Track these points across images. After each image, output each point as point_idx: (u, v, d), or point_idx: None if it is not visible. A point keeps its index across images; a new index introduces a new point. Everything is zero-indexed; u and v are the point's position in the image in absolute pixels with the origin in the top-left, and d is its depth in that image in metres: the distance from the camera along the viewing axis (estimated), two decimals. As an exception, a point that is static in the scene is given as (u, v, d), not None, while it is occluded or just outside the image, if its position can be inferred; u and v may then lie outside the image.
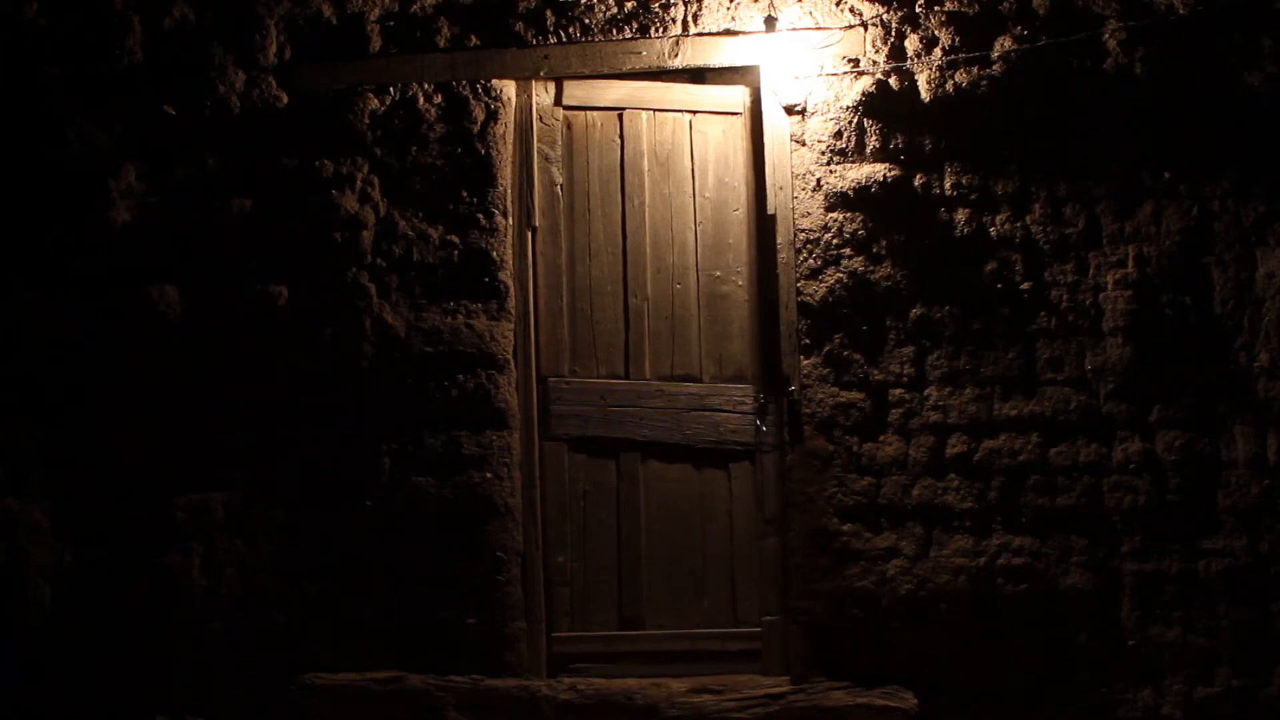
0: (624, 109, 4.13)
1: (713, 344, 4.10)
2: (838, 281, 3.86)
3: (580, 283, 4.09)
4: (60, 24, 4.11)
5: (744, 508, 4.04)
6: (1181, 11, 3.79)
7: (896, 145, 3.87)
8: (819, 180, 3.89)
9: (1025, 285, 3.82)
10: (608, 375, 4.07)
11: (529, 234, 4.02)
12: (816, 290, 3.87)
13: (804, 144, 3.91)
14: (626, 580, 4.03)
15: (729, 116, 4.15)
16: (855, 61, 3.90)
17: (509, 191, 4.00)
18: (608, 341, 4.09)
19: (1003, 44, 3.85)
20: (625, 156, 4.13)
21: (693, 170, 4.14)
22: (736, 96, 4.13)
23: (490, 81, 4.01)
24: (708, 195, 4.14)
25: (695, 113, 4.15)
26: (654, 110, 4.13)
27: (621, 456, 4.05)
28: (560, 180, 4.09)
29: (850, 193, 3.87)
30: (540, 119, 4.07)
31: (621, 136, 4.13)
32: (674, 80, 4.13)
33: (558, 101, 4.09)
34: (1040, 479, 3.78)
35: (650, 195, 4.13)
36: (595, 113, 4.13)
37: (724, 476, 4.06)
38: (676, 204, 4.13)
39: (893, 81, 3.88)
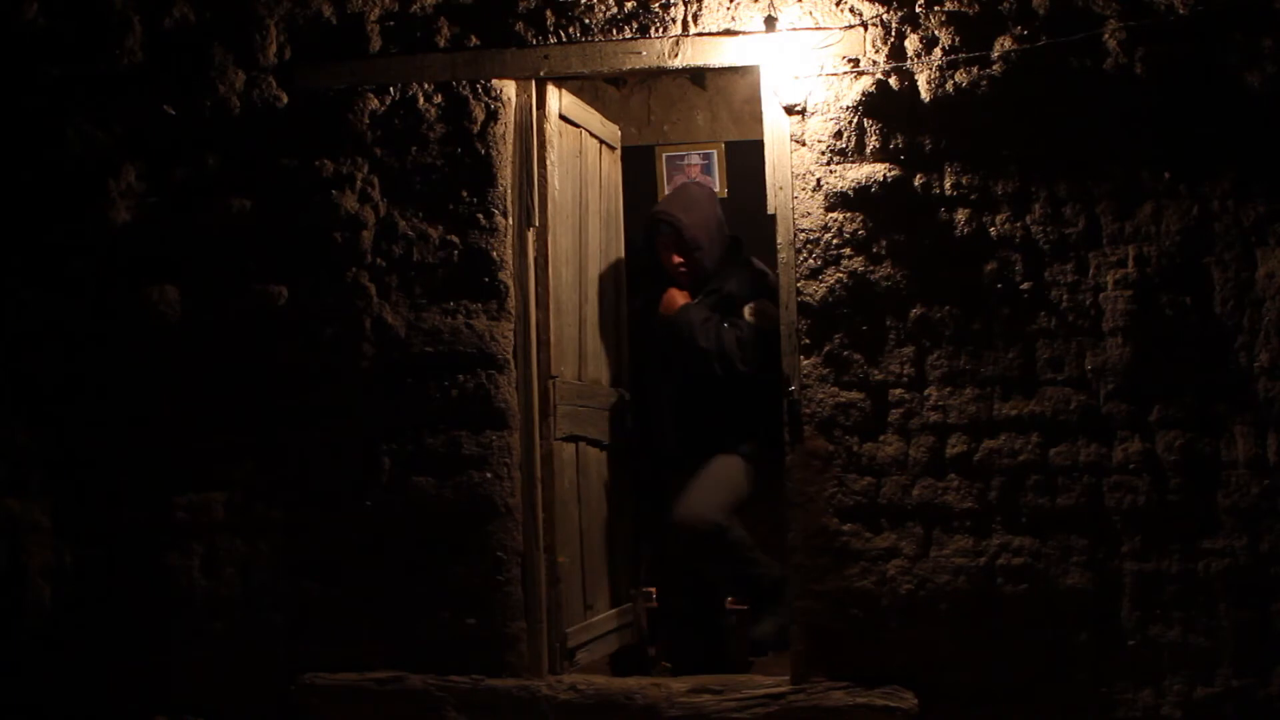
0: (581, 127, 4.35)
1: (604, 349, 4.51)
2: (838, 281, 3.86)
3: (563, 287, 4.17)
4: (60, 24, 4.11)
5: (612, 496, 4.49)
6: (1181, 11, 3.78)
7: (896, 145, 3.87)
8: (819, 180, 3.89)
9: (1025, 285, 3.81)
10: (571, 376, 4.21)
11: (529, 234, 4.02)
12: (816, 290, 3.87)
13: (804, 144, 3.90)
14: (587, 570, 4.24)
15: (611, 150, 4.61)
16: (855, 61, 3.90)
17: (509, 191, 4.00)
18: (570, 345, 4.21)
19: (1003, 44, 3.85)
20: (585, 171, 4.37)
21: (600, 193, 4.51)
22: (614, 133, 4.68)
23: (490, 81, 4.01)
24: (601, 218, 4.50)
25: (602, 142, 4.53)
26: (588, 132, 4.41)
27: (580, 452, 4.23)
28: (556, 185, 4.11)
29: (850, 193, 3.87)
30: (548, 120, 4.08)
31: (582, 152, 4.34)
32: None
33: (560, 110, 4.17)
34: (1040, 479, 3.78)
35: (591, 212, 4.40)
36: (569, 126, 4.27)
37: (602, 467, 4.45)
38: (596, 222, 4.45)
39: (893, 81, 3.88)
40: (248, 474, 3.98)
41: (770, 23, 3.93)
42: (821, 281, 3.87)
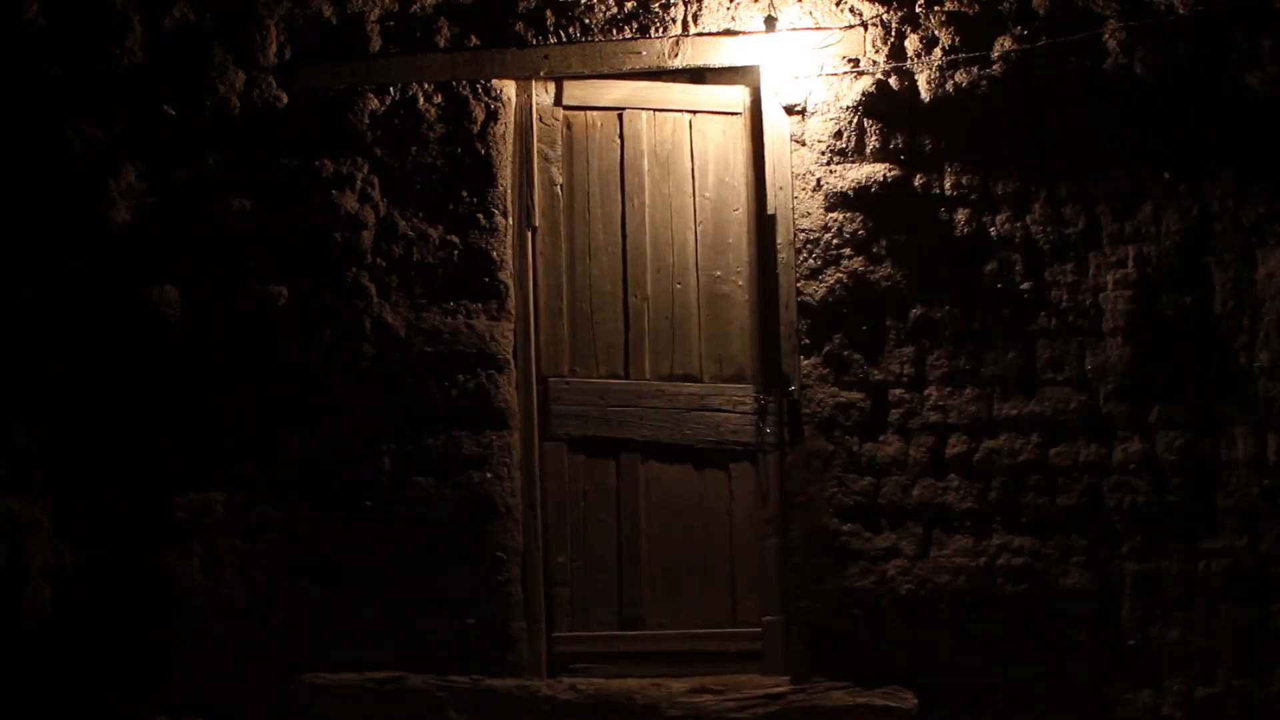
0: (624, 109, 4.13)
1: (713, 344, 4.10)
2: (838, 281, 3.86)
3: (580, 282, 4.09)
4: (60, 24, 4.11)
5: (743, 508, 4.04)
6: (1181, 11, 3.79)
7: (896, 145, 3.87)
8: (819, 180, 3.89)
9: (1025, 285, 3.82)
10: (607, 375, 4.07)
11: (529, 234, 4.02)
12: (816, 290, 3.87)
13: (804, 144, 3.91)
14: (626, 580, 4.03)
15: (729, 116, 4.15)
16: (855, 61, 3.90)
17: (509, 191, 4.00)
18: (607, 341, 4.09)
19: (1003, 44, 3.85)
20: (625, 156, 4.13)
21: (693, 170, 4.14)
22: (736, 96, 4.13)
23: (490, 81, 4.01)
24: (708, 195, 4.13)
25: (695, 112, 4.15)
26: (654, 110, 4.13)
27: (621, 456, 4.05)
28: (560, 180, 4.09)
29: (850, 193, 3.87)
30: (540, 119, 4.07)
31: (621, 136, 4.13)
32: (674, 80, 4.13)
33: (557, 101, 4.10)
34: (1040, 479, 3.78)
35: (650, 195, 4.12)
36: (595, 113, 4.13)
37: (724, 476, 4.05)
38: (676, 204, 4.13)
39: (893, 81, 3.88)
40: (248, 474, 3.97)
41: (770, 23, 3.93)
42: (821, 281, 3.87)
